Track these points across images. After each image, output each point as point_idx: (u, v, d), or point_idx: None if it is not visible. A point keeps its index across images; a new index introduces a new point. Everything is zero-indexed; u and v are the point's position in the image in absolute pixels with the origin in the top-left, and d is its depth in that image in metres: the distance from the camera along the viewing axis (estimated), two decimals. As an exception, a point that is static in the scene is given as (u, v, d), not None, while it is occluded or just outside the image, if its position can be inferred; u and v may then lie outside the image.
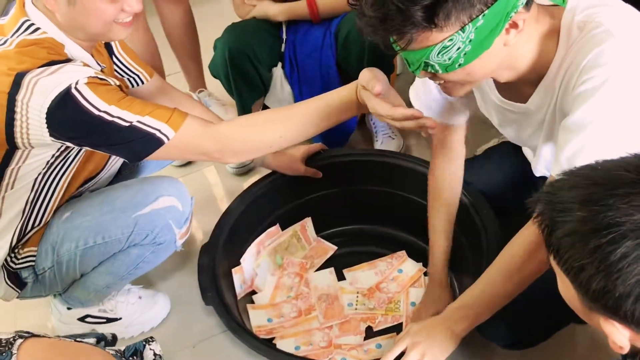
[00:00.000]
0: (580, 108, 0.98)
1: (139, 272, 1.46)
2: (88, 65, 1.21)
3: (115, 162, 1.47)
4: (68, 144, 1.21)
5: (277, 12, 1.91)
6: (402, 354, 1.15)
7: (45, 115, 1.14)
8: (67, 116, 1.14)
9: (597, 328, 0.75)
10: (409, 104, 1.27)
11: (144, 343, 1.18)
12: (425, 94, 1.31)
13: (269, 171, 1.68)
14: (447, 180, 1.42)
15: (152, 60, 1.98)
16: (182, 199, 1.41)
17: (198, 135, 1.21)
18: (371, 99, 1.12)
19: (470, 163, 1.62)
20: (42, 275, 1.40)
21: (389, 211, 1.70)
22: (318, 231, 1.76)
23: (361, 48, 1.77)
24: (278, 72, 1.98)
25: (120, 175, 1.58)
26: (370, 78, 1.12)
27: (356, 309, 1.58)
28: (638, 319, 0.68)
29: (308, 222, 1.75)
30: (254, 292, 1.63)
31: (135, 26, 1.27)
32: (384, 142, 2.03)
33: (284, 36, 1.96)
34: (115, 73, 1.44)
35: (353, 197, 1.72)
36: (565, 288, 0.77)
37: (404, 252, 1.69)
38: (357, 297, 1.61)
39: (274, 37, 1.95)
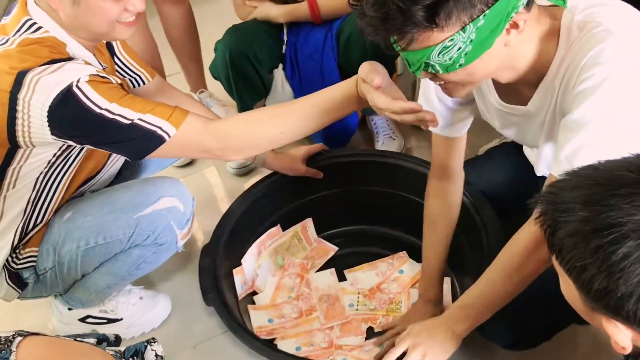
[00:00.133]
0: (580, 106, 0.98)
1: (140, 272, 1.47)
2: (89, 64, 1.21)
3: (116, 162, 1.47)
4: (69, 142, 1.21)
5: (278, 13, 1.91)
6: (404, 354, 1.15)
7: (46, 114, 1.14)
8: (68, 114, 1.15)
9: (599, 328, 0.75)
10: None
11: (146, 344, 1.17)
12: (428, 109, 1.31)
13: (269, 172, 1.68)
14: (443, 210, 1.40)
15: (152, 61, 1.98)
16: (184, 200, 1.41)
17: (199, 132, 1.21)
18: (371, 92, 1.11)
19: (472, 163, 1.62)
20: (43, 276, 1.40)
21: (390, 212, 1.70)
22: (319, 232, 1.76)
23: (363, 50, 1.77)
24: (279, 73, 1.98)
25: (121, 176, 1.58)
26: (369, 71, 1.12)
27: (357, 309, 1.58)
28: (640, 319, 0.69)
29: (309, 222, 1.75)
30: (254, 293, 1.63)
31: (136, 26, 1.27)
32: (384, 143, 2.03)
33: (285, 38, 1.96)
34: (117, 73, 1.44)
35: (354, 197, 1.72)
36: (568, 288, 0.77)
37: (404, 252, 1.69)
38: (358, 297, 1.61)
39: (274, 38, 1.95)
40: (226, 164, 2.09)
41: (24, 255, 1.37)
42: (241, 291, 1.58)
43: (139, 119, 1.16)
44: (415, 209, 1.56)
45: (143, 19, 1.97)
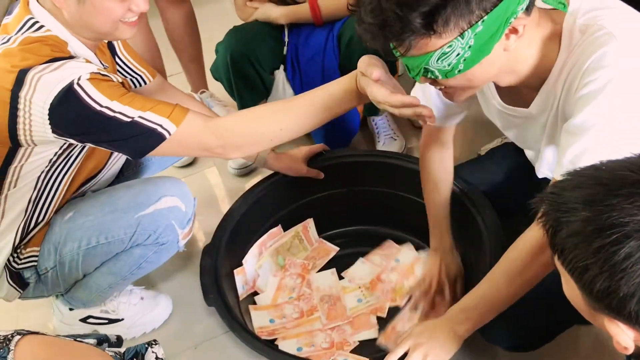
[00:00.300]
0: (583, 111, 0.98)
1: (141, 272, 1.47)
2: (91, 62, 1.22)
3: (117, 161, 1.47)
4: (71, 140, 1.21)
5: (279, 15, 1.91)
6: (405, 354, 1.15)
7: (47, 112, 1.14)
8: (69, 112, 1.15)
9: (601, 329, 0.75)
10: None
11: (147, 345, 1.17)
12: (424, 102, 1.31)
13: (270, 172, 1.68)
14: (438, 164, 1.44)
15: (153, 61, 1.99)
16: (185, 200, 1.41)
17: (200, 130, 1.21)
18: (370, 85, 1.10)
19: (473, 164, 1.62)
20: (45, 276, 1.40)
21: (391, 212, 1.70)
22: (320, 232, 1.76)
23: (364, 52, 1.76)
24: (280, 75, 1.98)
25: (122, 176, 1.59)
26: (368, 64, 1.11)
27: (368, 301, 1.58)
28: (642, 319, 0.68)
29: (310, 223, 1.75)
30: (256, 293, 1.63)
31: (137, 27, 1.28)
32: (386, 143, 2.03)
33: (286, 39, 1.96)
34: (118, 73, 1.45)
35: (355, 198, 1.72)
36: (570, 288, 0.77)
37: (390, 241, 1.70)
38: (362, 291, 1.61)
39: (276, 40, 1.95)
40: (227, 165, 2.09)
41: (25, 255, 1.37)
42: (242, 291, 1.58)
43: (140, 117, 1.16)
44: (416, 209, 1.56)
45: (144, 20, 1.97)
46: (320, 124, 1.23)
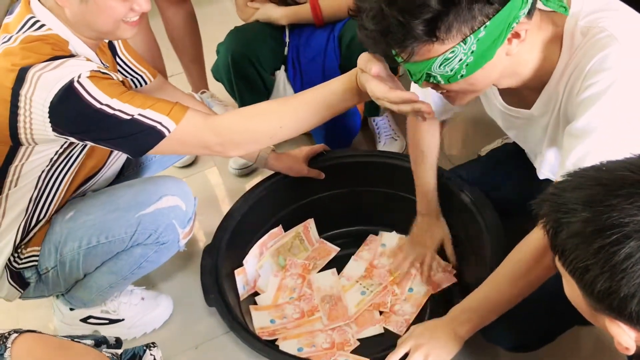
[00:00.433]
0: (585, 114, 0.98)
1: (142, 271, 1.47)
2: (91, 61, 1.22)
3: (117, 160, 1.47)
4: (71, 139, 1.21)
5: (280, 15, 1.91)
6: (406, 355, 1.15)
7: (48, 110, 1.14)
8: (69, 109, 1.15)
9: (603, 329, 0.75)
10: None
11: (145, 348, 1.16)
12: (423, 97, 1.31)
13: (271, 172, 1.68)
14: (426, 133, 1.47)
15: (153, 61, 1.99)
16: (186, 199, 1.41)
17: (199, 127, 1.21)
18: (369, 81, 1.10)
19: (474, 164, 1.62)
20: (45, 275, 1.40)
21: (392, 212, 1.70)
22: (321, 232, 1.76)
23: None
24: (281, 75, 1.98)
25: (122, 176, 1.59)
26: (368, 60, 1.10)
27: (371, 291, 1.59)
28: (643, 320, 0.68)
29: (311, 223, 1.75)
30: (256, 294, 1.63)
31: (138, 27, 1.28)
32: (386, 144, 2.04)
33: (287, 39, 1.96)
34: (119, 73, 1.45)
35: (356, 198, 1.72)
36: (571, 289, 0.77)
37: (372, 235, 1.72)
38: (361, 283, 1.62)
39: (276, 40, 1.95)
40: (228, 165, 2.09)
41: (26, 255, 1.37)
42: (243, 292, 1.58)
43: (139, 114, 1.16)
44: (417, 209, 1.56)
45: (145, 20, 1.97)
46: (320, 122, 1.22)
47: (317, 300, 1.60)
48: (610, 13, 1.01)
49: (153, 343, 1.18)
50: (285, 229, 1.71)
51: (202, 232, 1.88)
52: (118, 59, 1.44)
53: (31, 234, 1.37)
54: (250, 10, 1.96)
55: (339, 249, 1.73)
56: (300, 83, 1.98)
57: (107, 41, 1.41)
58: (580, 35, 1.00)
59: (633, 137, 0.96)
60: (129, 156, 1.31)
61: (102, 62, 1.31)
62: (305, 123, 1.22)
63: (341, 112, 1.21)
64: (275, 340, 1.52)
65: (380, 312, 1.55)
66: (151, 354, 1.15)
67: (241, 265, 1.59)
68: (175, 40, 2.13)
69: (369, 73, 1.09)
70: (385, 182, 1.69)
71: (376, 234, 1.73)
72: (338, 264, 1.69)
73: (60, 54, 1.18)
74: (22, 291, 1.42)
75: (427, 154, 1.47)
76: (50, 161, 1.28)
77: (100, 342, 1.12)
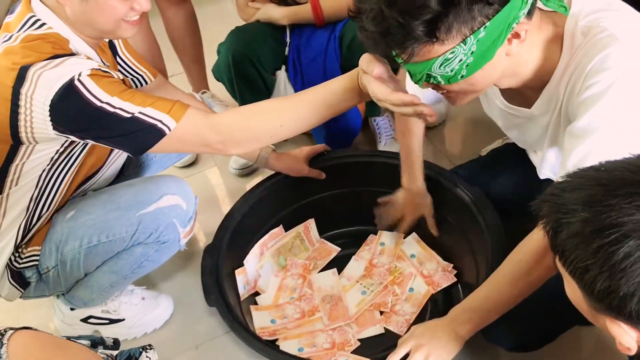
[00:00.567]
0: (586, 114, 0.98)
1: (142, 271, 1.47)
2: (91, 59, 1.22)
3: (117, 159, 1.47)
4: (72, 137, 1.22)
5: (281, 15, 1.91)
6: (407, 355, 1.15)
7: (48, 108, 1.14)
8: (69, 108, 1.15)
9: (604, 329, 0.75)
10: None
11: (141, 350, 1.15)
12: (418, 92, 1.31)
13: (272, 172, 1.68)
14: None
15: (154, 61, 1.99)
16: (186, 198, 1.41)
17: (199, 125, 1.20)
18: (371, 82, 1.09)
19: (474, 164, 1.62)
20: (46, 275, 1.40)
21: (392, 212, 1.70)
22: (321, 232, 1.76)
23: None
24: (282, 75, 1.98)
25: (122, 176, 1.59)
26: (369, 61, 1.09)
27: (372, 290, 1.59)
28: (643, 319, 0.68)
29: (311, 223, 1.75)
30: (257, 294, 1.63)
31: (138, 26, 1.28)
32: (387, 144, 2.03)
33: (288, 40, 1.96)
34: (119, 73, 1.45)
35: (356, 198, 1.72)
36: (572, 290, 0.77)
37: (372, 235, 1.72)
38: (361, 283, 1.62)
39: (277, 40, 1.95)
40: (228, 165, 2.09)
41: (27, 254, 1.37)
42: (243, 292, 1.58)
43: (140, 112, 1.17)
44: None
45: (145, 20, 1.97)
46: (321, 122, 1.22)
47: (317, 300, 1.60)
48: (611, 13, 1.01)
49: (149, 345, 1.17)
50: (286, 229, 1.71)
51: (203, 232, 1.88)
52: (118, 59, 1.44)
53: (32, 234, 1.37)
54: (251, 10, 1.96)
55: (339, 249, 1.73)
56: (301, 83, 1.98)
57: (107, 41, 1.41)
58: (580, 35, 1.01)
59: (634, 137, 0.96)
60: (130, 154, 1.31)
61: (102, 61, 1.31)
62: (306, 122, 1.22)
63: (342, 112, 1.21)
64: (276, 340, 1.52)
65: (381, 312, 1.55)
66: (147, 356, 1.15)
67: (242, 265, 1.59)
68: (175, 40, 2.13)
69: (371, 74, 1.09)
70: (385, 182, 1.68)
71: (376, 234, 1.73)
72: (339, 264, 1.69)
73: (61, 52, 1.18)
74: (22, 291, 1.42)
75: (414, 128, 1.48)
76: (51, 160, 1.28)
77: (96, 342, 1.12)
